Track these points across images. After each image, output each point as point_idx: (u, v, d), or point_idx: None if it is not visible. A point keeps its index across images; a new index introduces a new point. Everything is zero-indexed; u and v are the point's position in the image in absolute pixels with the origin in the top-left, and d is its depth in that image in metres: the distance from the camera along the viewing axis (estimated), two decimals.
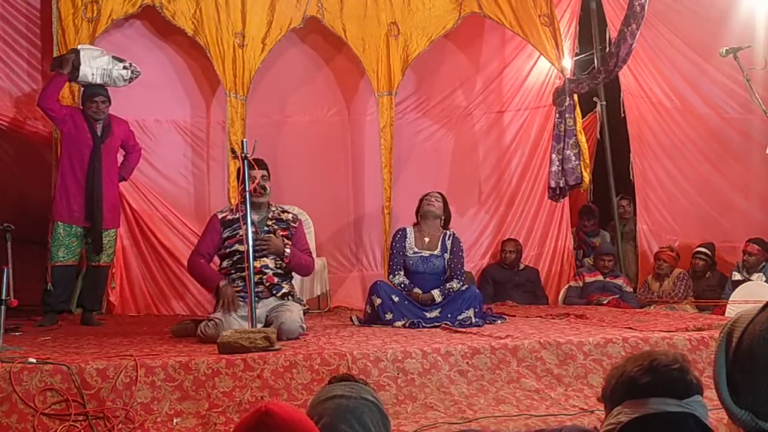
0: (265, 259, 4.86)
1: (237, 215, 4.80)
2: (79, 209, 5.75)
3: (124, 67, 5.95)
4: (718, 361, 1.42)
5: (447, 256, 5.72)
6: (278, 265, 4.93)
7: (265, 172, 4.95)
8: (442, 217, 5.83)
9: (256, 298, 4.59)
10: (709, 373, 4.56)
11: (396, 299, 5.47)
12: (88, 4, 6.42)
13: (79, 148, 5.78)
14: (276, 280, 4.90)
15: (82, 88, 6.02)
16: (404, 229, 5.83)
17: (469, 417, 3.70)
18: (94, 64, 5.81)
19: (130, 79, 6.02)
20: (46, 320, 5.66)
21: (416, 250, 5.72)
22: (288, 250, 4.89)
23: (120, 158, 6.14)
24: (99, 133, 5.82)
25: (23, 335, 4.97)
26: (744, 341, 1.39)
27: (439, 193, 5.94)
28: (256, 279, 4.62)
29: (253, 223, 4.68)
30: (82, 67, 5.77)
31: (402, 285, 5.64)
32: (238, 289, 4.82)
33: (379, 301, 5.45)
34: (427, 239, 5.74)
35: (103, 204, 5.77)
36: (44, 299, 5.76)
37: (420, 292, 5.61)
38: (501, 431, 3.57)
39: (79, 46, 5.97)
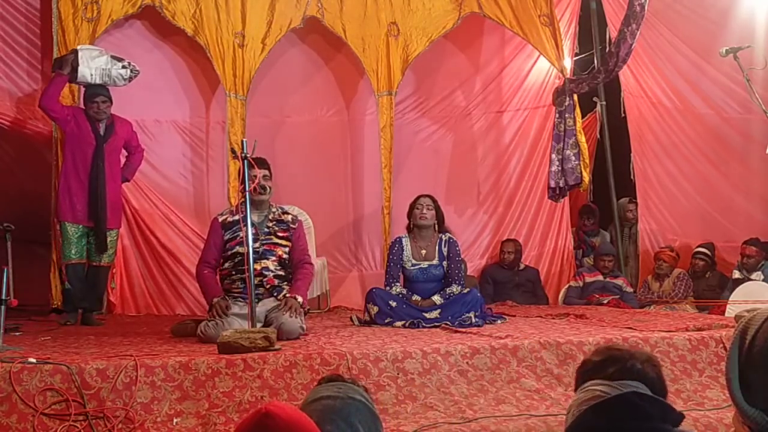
0: (265, 261, 4.87)
1: (237, 216, 4.80)
2: (83, 209, 5.76)
3: (123, 67, 5.93)
4: (731, 359, 1.43)
5: (445, 263, 5.69)
6: (278, 267, 4.94)
7: (266, 172, 4.94)
8: (436, 222, 5.76)
9: (256, 300, 4.59)
10: (710, 373, 4.59)
11: (394, 305, 5.43)
12: (88, 4, 6.41)
13: (82, 147, 5.78)
14: (276, 282, 4.91)
15: (83, 89, 6.01)
16: (400, 241, 5.73)
17: (469, 417, 3.70)
18: (92, 65, 5.80)
19: (130, 78, 6.00)
20: (71, 318, 5.75)
21: (414, 262, 5.67)
22: (300, 299, 4.83)
23: (122, 159, 6.14)
24: (102, 133, 5.82)
25: (23, 335, 4.97)
26: (758, 339, 1.39)
27: (429, 197, 5.81)
28: (256, 281, 4.62)
29: (253, 224, 4.68)
30: (80, 68, 5.77)
31: (401, 294, 5.60)
32: (239, 290, 4.83)
33: (376, 309, 5.42)
34: (423, 251, 5.70)
35: (107, 204, 5.77)
36: (65, 298, 5.82)
37: (419, 298, 5.59)
38: (501, 431, 3.57)
39: (78, 47, 5.96)
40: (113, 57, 5.94)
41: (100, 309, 6.23)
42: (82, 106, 6.02)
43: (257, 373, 3.76)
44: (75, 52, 5.85)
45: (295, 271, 5.01)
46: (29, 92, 6.63)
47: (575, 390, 1.82)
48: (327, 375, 1.99)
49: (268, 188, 4.95)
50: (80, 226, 5.78)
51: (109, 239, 5.82)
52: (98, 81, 5.84)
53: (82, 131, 5.79)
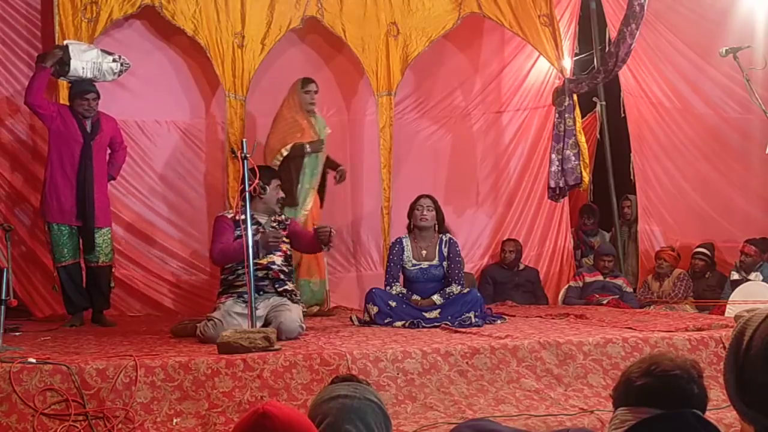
0: (272, 255, 4.93)
1: (241, 216, 4.82)
2: (70, 208, 5.64)
3: (114, 60, 5.79)
4: (729, 359, 1.42)
5: (445, 263, 5.70)
6: (284, 263, 5.03)
7: (278, 181, 5.16)
8: (436, 223, 5.77)
9: (261, 292, 4.70)
10: (710, 373, 4.60)
11: (393, 304, 5.44)
12: (87, 4, 6.38)
13: (69, 145, 5.66)
14: (281, 276, 4.98)
15: (69, 85, 5.86)
16: (401, 242, 5.75)
17: (469, 417, 3.69)
18: (84, 57, 5.66)
19: (120, 73, 5.87)
20: (75, 320, 5.66)
21: (414, 262, 5.69)
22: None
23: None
24: (89, 131, 5.70)
25: (23, 335, 4.97)
26: (755, 340, 1.39)
27: (429, 197, 5.83)
28: (261, 274, 4.74)
29: (260, 224, 4.85)
30: (72, 62, 5.61)
31: (401, 294, 5.61)
32: (244, 284, 4.84)
33: (375, 309, 5.42)
34: (424, 252, 5.72)
35: (95, 202, 5.67)
36: (65, 302, 5.73)
37: (419, 298, 5.59)
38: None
39: (66, 42, 5.84)
40: (103, 51, 5.82)
41: (108, 307, 6.03)
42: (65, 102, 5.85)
43: (257, 373, 3.76)
44: (63, 47, 5.70)
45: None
46: None
47: (618, 406, 1.71)
48: (341, 374, 2.00)
49: (267, 189, 5.03)
50: (69, 227, 5.68)
51: (101, 239, 5.72)
52: (89, 75, 5.69)
53: (69, 129, 5.65)
